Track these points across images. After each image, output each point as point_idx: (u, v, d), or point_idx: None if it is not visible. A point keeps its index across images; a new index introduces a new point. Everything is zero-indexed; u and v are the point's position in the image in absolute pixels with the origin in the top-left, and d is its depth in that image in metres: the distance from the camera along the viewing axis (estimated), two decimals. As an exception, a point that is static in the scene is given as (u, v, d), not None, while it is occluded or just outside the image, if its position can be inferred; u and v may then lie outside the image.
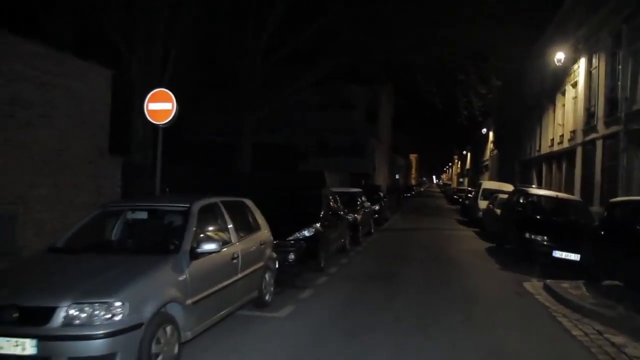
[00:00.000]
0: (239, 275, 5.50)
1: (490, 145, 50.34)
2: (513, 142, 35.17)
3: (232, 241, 5.53)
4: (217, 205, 5.60)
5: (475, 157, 68.99)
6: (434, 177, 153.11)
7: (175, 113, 8.65)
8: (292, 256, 8.23)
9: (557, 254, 10.27)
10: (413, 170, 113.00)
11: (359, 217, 12.88)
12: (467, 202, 26.44)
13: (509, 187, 20.79)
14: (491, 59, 19.15)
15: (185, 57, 16.12)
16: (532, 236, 10.63)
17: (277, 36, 18.82)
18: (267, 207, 10.29)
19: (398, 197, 36.47)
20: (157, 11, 14.11)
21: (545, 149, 26.30)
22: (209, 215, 5.46)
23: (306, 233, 8.59)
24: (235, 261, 5.42)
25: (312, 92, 36.48)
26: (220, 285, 5.02)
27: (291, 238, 8.44)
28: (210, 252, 4.75)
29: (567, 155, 22.11)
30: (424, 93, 19.59)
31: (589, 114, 19.42)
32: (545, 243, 10.46)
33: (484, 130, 52.10)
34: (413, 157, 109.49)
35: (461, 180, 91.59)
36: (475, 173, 66.17)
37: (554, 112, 24.85)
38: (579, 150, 20.13)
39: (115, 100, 10.07)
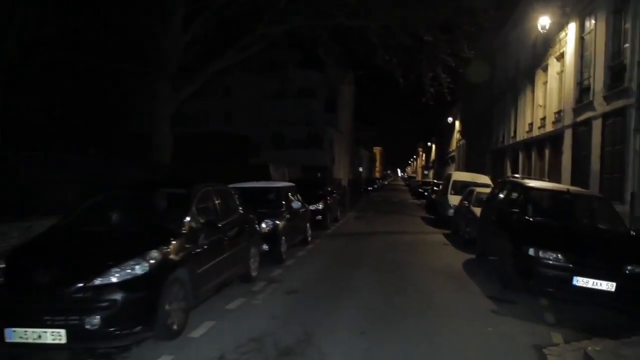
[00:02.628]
0: None
1: (456, 135, 47.17)
2: (482, 130, 31.85)
3: None
4: None
5: (440, 148, 66.11)
6: (398, 170, 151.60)
7: None
8: (95, 320, 4.04)
9: (580, 281, 6.55)
10: (377, 163, 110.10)
11: (281, 223, 8.68)
12: (433, 196, 22.72)
13: (485, 179, 17.33)
14: (463, 24, 15.36)
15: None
16: (540, 253, 6.85)
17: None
18: (98, 216, 6.08)
19: (357, 190, 32.64)
20: None
21: (522, 135, 22.85)
22: None
23: (137, 269, 4.36)
24: None
25: (268, 79, 32.38)
26: None
27: (98, 282, 4.21)
28: None
29: (551, 140, 18.63)
30: (384, 64, 15.62)
31: (582, 89, 15.89)
32: (560, 264, 6.70)
33: (450, 120, 48.94)
34: (377, 150, 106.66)
35: (426, 172, 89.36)
36: (440, 165, 63.23)
37: (533, 92, 21.38)
38: (568, 134, 16.61)
39: None
